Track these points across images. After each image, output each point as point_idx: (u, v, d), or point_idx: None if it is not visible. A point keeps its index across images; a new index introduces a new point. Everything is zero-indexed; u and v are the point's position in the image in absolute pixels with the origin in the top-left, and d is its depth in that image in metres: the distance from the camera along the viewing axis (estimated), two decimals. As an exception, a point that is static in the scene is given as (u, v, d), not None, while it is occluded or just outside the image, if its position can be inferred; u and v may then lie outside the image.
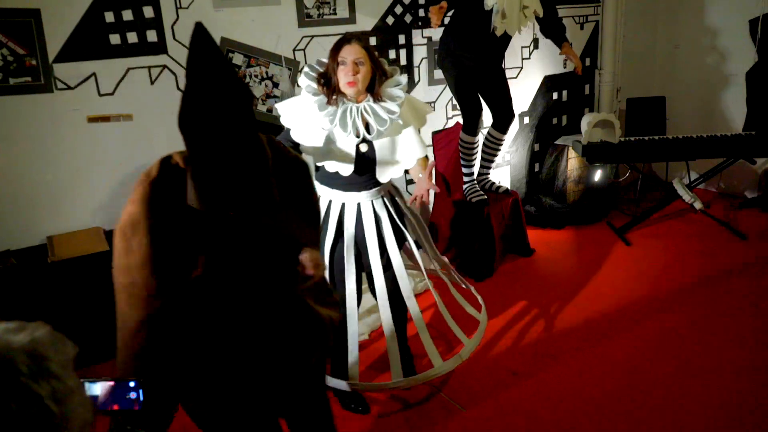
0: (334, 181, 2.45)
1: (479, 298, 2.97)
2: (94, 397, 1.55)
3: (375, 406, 2.61)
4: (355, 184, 2.44)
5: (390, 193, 2.57)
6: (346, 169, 2.36)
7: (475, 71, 3.54)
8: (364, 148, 2.37)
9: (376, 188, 2.48)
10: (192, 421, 1.59)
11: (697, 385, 2.64)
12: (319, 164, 2.41)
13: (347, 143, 2.35)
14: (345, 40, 2.30)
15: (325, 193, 2.50)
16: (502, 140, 3.85)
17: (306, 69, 2.40)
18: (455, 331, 2.67)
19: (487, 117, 3.86)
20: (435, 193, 4.01)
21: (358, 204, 2.47)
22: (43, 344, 0.64)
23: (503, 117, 3.74)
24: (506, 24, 3.38)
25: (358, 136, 2.35)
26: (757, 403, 2.49)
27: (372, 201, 2.49)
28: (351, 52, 2.26)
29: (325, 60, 2.36)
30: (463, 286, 2.99)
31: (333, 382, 2.50)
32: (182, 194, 1.36)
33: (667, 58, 5.17)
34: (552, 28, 3.60)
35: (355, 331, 2.48)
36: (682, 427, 2.41)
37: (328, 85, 2.31)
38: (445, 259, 3.01)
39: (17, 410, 0.59)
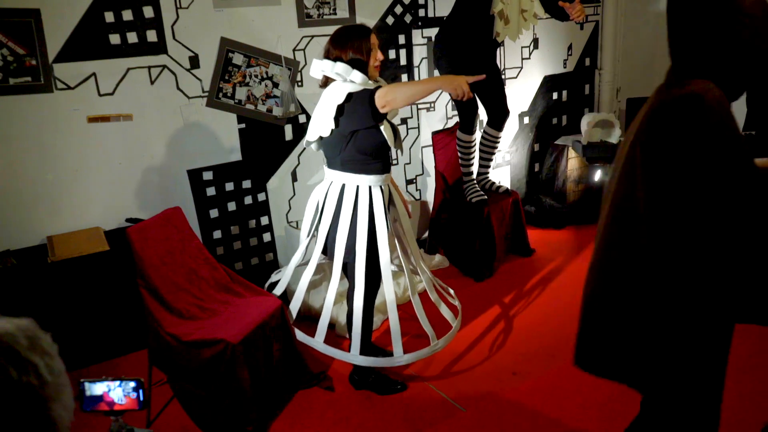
0: (367, 164, 2.44)
1: (456, 303, 2.98)
2: (95, 397, 1.55)
3: (374, 406, 2.62)
4: (386, 163, 2.50)
5: None
6: (391, 141, 2.43)
7: (470, 71, 3.53)
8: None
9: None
10: None
11: (697, 385, 2.64)
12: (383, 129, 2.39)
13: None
14: (368, 29, 2.43)
15: (351, 180, 2.47)
16: (498, 138, 3.85)
17: (330, 61, 2.37)
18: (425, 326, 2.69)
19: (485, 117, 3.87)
20: (435, 193, 4.04)
21: (383, 186, 2.52)
22: (34, 328, 0.75)
23: (498, 114, 3.75)
24: (508, 30, 3.39)
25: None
26: (757, 403, 2.49)
27: (388, 184, 2.56)
28: (375, 41, 2.42)
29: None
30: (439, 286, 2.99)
31: (372, 359, 2.57)
32: None
33: (667, 58, 5.15)
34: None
35: (393, 300, 2.55)
36: (682, 427, 2.41)
37: (362, 69, 2.36)
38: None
39: (17, 377, 0.68)
